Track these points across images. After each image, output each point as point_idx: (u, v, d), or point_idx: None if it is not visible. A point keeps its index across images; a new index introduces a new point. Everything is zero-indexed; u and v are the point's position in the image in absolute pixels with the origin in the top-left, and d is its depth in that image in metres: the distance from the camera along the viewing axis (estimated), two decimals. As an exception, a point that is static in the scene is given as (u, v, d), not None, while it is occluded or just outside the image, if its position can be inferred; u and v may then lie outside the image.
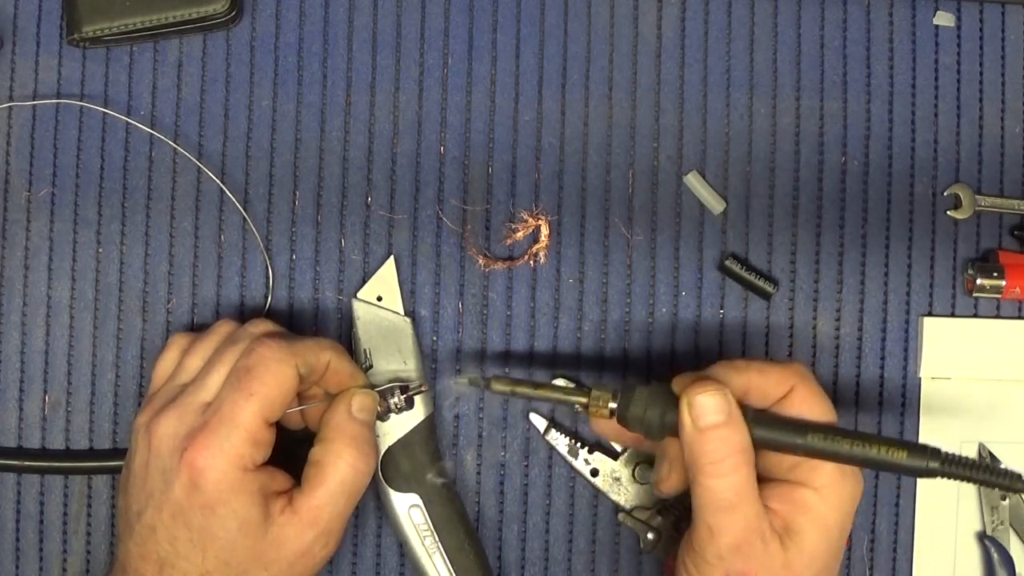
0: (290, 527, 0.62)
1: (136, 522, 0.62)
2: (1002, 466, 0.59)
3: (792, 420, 0.62)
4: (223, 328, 0.67)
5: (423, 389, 0.68)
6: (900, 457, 0.60)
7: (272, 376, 0.62)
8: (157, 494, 0.62)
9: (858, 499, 0.63)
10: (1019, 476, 0.59)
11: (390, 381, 0.69)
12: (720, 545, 0.61)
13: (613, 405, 0.63)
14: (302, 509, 0.62)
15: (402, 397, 0.67)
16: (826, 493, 0.62)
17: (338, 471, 0.63)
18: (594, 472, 0.72)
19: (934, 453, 0.60)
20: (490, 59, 0.73)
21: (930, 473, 0.60)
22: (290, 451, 0.65)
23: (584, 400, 0.63)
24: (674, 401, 0.62)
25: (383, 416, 0.68)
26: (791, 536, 0.61)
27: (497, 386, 0.64)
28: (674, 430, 0.62)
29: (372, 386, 0.67)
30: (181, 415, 0.62)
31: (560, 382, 0.72)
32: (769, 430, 0.61)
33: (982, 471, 0.60)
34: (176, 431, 0.62)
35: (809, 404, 0.62)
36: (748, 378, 0.63)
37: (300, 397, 0.67)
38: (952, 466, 0.60)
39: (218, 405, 0.62)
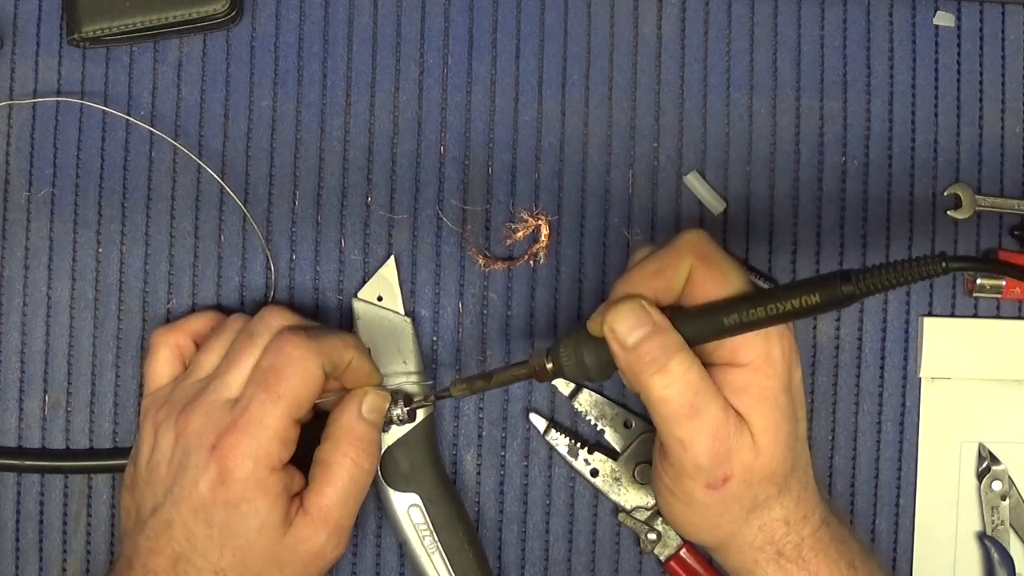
0: (302, 528, 0.62)
1: (150, 517, 0.62)
2: (919, 255, 0.56)
3: (703, 308, 0.60)
4: (236, 323, 0.67)
5: (427, 403, 0.68)
6: (815, 300, 0.58)
7: (300, 377, 0.62)
8: (177, 489, 0.62)
9: (790, 351, 0.61)
10: (941, 254, 0.56)
11: (394, 389, 0.69)
12: (697, 455, 0.60)
13: (550, 365, 0.63)
14: (312, 508, 0.63)
15: (405, 409, 0.67)
16: (758, 365, 0.60)
17: (345, 470, 0.63)
18: (594, 472, 0.72)
19: (844, 278, 0.57)
20: (490, 59, 0.73)
21: (849, 299, 0.57)
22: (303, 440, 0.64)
23: (527, 371, 0.64)
24: (599, 338, 0.61)
25: (384, 427, 0.67)
26: (746, 421, 0.60)
27: (456, 391, 0.65)
28: (611, 364, 0.61)
29: (386, 386, 0.67)
30: (208, 412, 0.62)
31: (560, 382, 0.73)
32: (687, 328, 0.60)
33: (897, 271, 0.56)
34: (204, 428, 0.62)
35: (712, 279, 0.60)
36: (650, 285, 0.61)
37: None
38: (867, 282, 0.57)
39: (246, 404, 0.62)
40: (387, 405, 0.66)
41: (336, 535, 0.63)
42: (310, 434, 0.65)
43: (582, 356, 0.62)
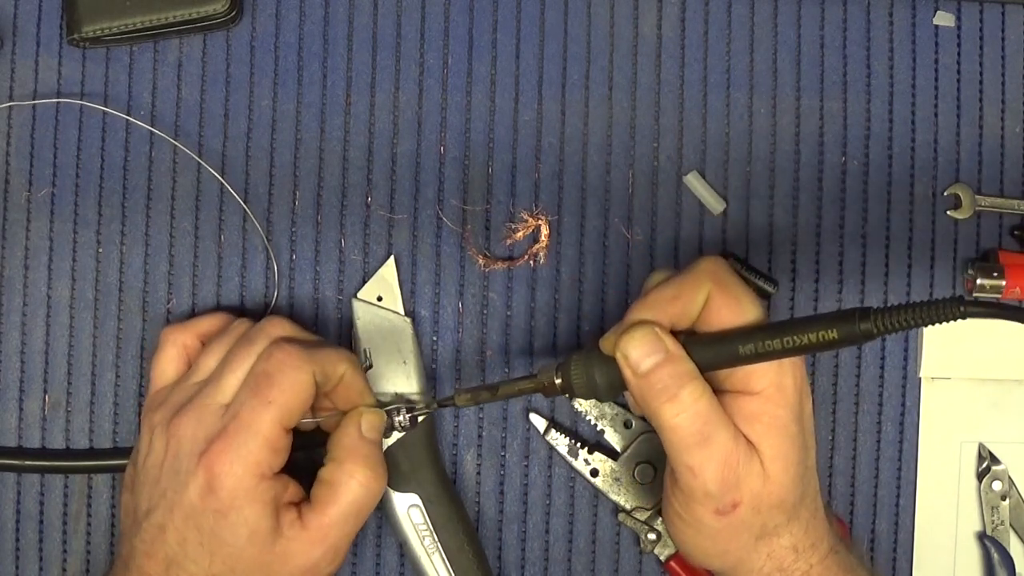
0: (297, 542, 0.62)
1: (145, 520, 0.62)
2: (938, 297, 0.56)
3: (719, 335, 0.60)
4: (239, 328, 0.67)
5: (429, 410, 0.68)
6: (831, 336, 0.58)
7: (290, 384, 0.62)
8: (170, 494, 0.62)
9: (801, 380, 0.62)
10: (960, 298, 0.56)
11: (396, 396, 0.69)
12: (707, 481, 0.60)
13: (559, 381, 0.63)
14: (312, 526, 0.62)
15: (407, 416, 0.67)
16: (769, 394, 0.61)
17: (350, 491, 0.63)
18: (594, 472, 0.72)
19: (863, 316, 0.57)
20: (490, 59, 0.73)
21: (866, 336, 0.57)
22: (293, 458, 0.64)
23: (533, 386, 0.64)
24: (610, 358, 0.61)
25: (386, 433, 0.67)
26: (756, 449, 0.61)
27: (460, 401, 0.65)
28: (621, 385, 0.61)
29: (380, 404, 0.67)
30: (200, 417, 0.62)
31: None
32: (701, 354, 0.60)
33: (916, 312, 0.56)
34: (195, 433, 0.62)
35: (728, 307, 0.61)
36: (666, 310, 0.61)
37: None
38: (885, 321, 0.56)
39: (236, 410, 0.62)
40: (384, 424, 0.66)
41: (331, 553, 0.63)
42: (307, 452, 0.65)
43: (593, 375, 0.62)
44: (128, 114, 0.72)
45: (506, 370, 0.73)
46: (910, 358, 0.73)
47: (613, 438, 0.73)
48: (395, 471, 0.69)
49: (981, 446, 0.73)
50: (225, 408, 0.62)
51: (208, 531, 0.61)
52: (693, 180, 0.73)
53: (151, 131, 0.72)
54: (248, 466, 0.61)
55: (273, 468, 0.62)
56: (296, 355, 0.63)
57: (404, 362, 0.70)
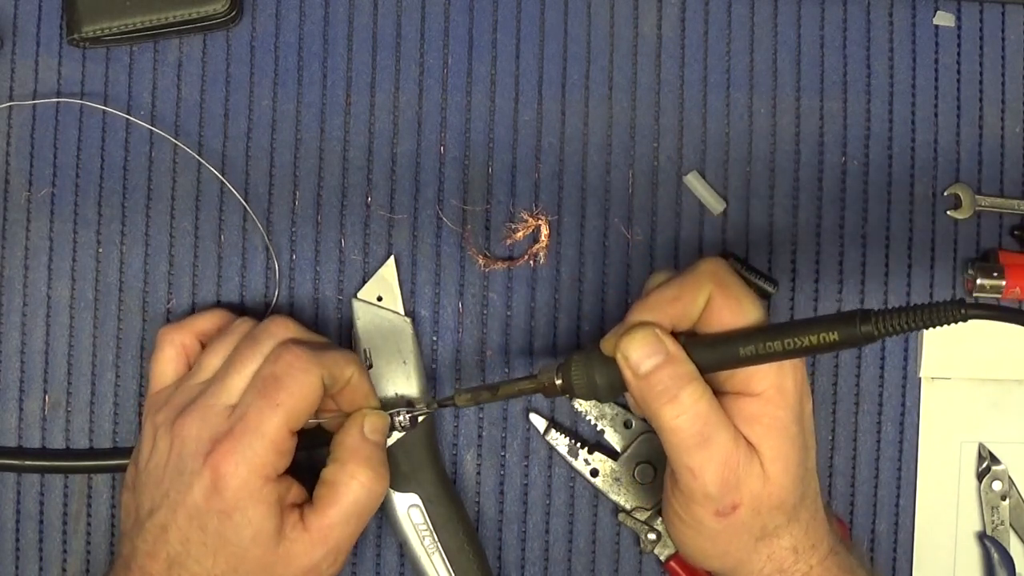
0: (299, 543, 0.62)
1: (147, 520, 0.62)
2: (940, 300, 0.57)
3: (720, 337, 0.61)
4: (243, 327, 0.67)
5: (429, 410, 0.68)
6: (832, 338, 0.58)
7: (298, 386, 0.62)
8: (174, 494, 0.62)
9: (802, 381, 0.62)
10: (961, 301, 0.56)
11: (396, 396, 0.69)
12: (707, 483, 0.60)
13: (559, 381, 0.63)
14: (313, 527, 0.62)
15: (407, 416, 0.67)
16: (770, 396, 0.61)
17: (351, 492, 0.63)
18: (594, 472, 0.72)
19: (864, 317, 0.57)
20: (490, 59, 0.73)
21: (867, 339, 0.57)
22: (296, 458, 0.64)
23: (533, 386, 0.64)
24: (611, 359, 0.61)
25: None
26: (756, 450, 0.61)
27: (460, 401, 0.65)
28: (622, 385, 0.61)
29: (383, 406, 0.67)
30: (205, 417, 0.62)
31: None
32: (701, 356, 0.60)
33: (917, 315, 0.56)
34: (200, 434, 0.62)
35: (729, 308, 0.61)
36: (667, 311, 0.61)
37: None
38: (886, 323, 0.57)
39: (243, 411, 0.62)
40: (387, 426, 0.66)
41: (333, 554, 0.63)
42: (310, 452, 0.65)
43: (593, 376, 0.62)
44: (128, 114, 0.72)
45: (506, 370, 0.73)
46: (910, 358, 0.73)
47: (613, 438, 0.73)
48: (395, 471, 0.69)
49: (981, 446, 0.73)
50: (230, 409, 0.62)
51: (212, 531, 0.61)
52: (693, 180, 0.73)
53: (151, 131, 0.72)
54: (254, 468, 0.61)
55: (278, 470, 0.62)
56: (305, 358, 0.62)
57: (404, 362, 0.70)
